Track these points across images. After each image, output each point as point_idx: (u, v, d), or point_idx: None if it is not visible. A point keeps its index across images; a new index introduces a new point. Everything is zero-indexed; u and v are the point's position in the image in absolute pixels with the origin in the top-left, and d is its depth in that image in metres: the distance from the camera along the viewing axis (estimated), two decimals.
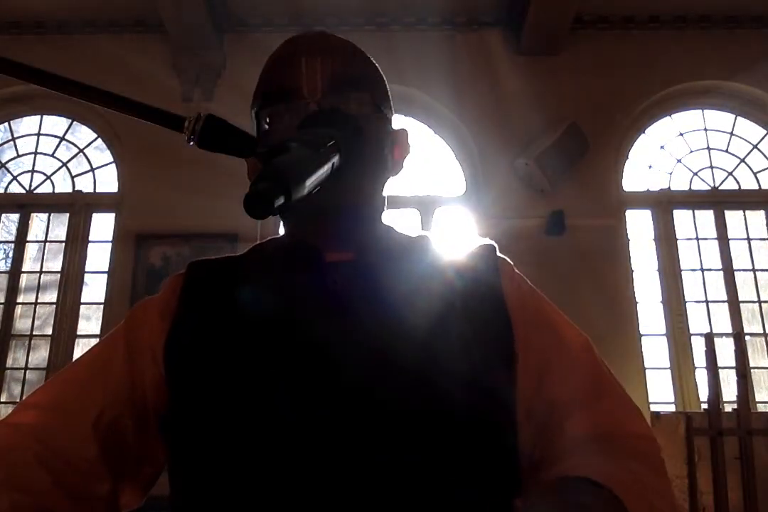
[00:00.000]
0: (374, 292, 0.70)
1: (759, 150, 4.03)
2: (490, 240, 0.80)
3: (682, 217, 3.92)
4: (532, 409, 0.70)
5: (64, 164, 4.08)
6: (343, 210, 0.72)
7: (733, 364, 2.63)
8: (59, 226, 3.98)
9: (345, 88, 0.72)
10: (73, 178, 4.06)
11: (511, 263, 0.79)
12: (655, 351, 3.67)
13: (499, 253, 0.79)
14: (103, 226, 3.94)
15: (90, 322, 3.82)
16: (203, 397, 0.66)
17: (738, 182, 3.99)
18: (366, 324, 0.68)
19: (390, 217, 0.81)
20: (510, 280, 0.76)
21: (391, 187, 0.80)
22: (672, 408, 3.54)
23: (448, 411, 0.63)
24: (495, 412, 0.66)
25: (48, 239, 3.97)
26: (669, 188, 3.96)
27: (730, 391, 2.89)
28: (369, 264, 0.73)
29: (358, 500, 0.59)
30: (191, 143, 0.61)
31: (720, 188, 3.98)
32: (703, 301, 3.79)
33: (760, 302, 3.78)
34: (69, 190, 4.03)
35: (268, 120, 0.73)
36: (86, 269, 3.86)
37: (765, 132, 4.03)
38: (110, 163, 4.02)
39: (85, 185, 4.04)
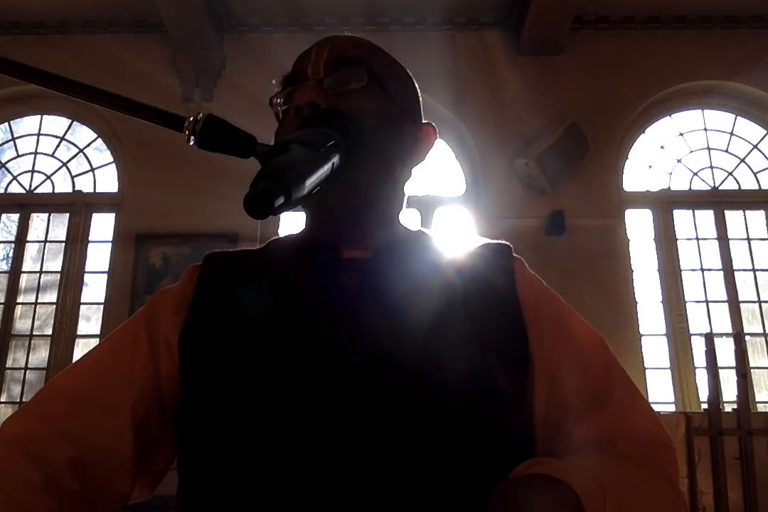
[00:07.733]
0: (390, 290, 0.70)
1: (759, 150, 4.03)
2: (503, 241, 0.80)
3: (682, 217, 3.92)
4: (547, 412, 0.70)
5: (64, 164, 4.08)
6: (353, 208, 0.73)
7: (733, 364, 2.63)
8: (59, 226, 3.98)
9: (342, 66, 0.74)
10: (73, 178, 4.07)
11: (525, 263, 0.79)
12: (655, 351, 3.67)
13: (514, 253, 0.79)
14: (103, 226, 3.95)
15: (90, 322, 3.82)
16: (214, 393, 0.66)
17: (738, 182, 4.00)
18: (377, 323, 0.68)
19: (407, 215, 0.81)
20: (524, 281, 0.76)
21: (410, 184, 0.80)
22: (672, 408, 3.54)
23: (448, 409, 0.64)
24: (495, 410, 0.66)
25: (48, 239, 3.97)
26: (669, 188, 3.96)
27: (730, 391, 2.89)
28: (385, 263, 0.73)
29: (362, 489, 0.60)
30: (191, 143, 0.61)
31: (720, 188, 3.98)
32: (703, 301, 3.78)
33: (760, 302, 3.78)
34: (69, 190, 4.03)
35: (281, 101, 0.76)
36: (86, 269, 3.86)
37: (765, 132, 4.03)
38: (110, 163, 4.02)
39: (85, 185, 4.04)
